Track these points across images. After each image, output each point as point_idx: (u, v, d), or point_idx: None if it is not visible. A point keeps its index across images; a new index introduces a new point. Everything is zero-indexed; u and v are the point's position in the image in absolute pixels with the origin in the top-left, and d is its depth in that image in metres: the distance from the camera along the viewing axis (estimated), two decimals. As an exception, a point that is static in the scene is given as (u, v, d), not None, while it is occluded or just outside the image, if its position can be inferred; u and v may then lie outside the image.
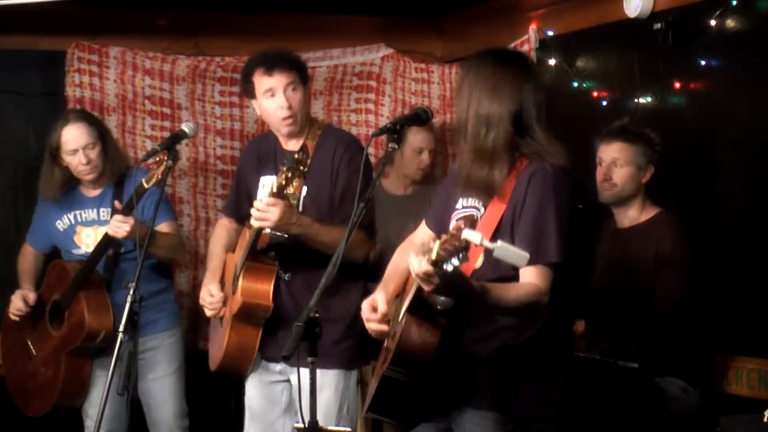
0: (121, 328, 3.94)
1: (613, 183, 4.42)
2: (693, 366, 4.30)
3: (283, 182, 3.85)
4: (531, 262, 2.94)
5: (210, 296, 4.25)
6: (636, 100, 4.75)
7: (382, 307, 3.29)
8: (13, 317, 4.77)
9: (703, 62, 4.42)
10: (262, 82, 4.13)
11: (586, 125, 4.78)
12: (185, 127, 4.40)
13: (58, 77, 5.52)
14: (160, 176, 4.21)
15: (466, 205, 3.40)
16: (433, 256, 2.86)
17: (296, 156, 3.86)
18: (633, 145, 4.41)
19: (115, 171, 4.70)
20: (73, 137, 4.60)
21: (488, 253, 2.88)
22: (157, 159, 4.25)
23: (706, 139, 4.50)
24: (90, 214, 4.71)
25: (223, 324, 4.25)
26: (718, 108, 4.44)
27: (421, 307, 3.17)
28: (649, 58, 4.67)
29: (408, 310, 3.18)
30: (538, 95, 3.29)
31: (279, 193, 3.89)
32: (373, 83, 5.92)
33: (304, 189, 4.13)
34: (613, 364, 4.10)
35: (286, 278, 4.14)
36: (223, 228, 4.45)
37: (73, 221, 4.74)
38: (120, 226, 4.37)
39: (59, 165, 4.66)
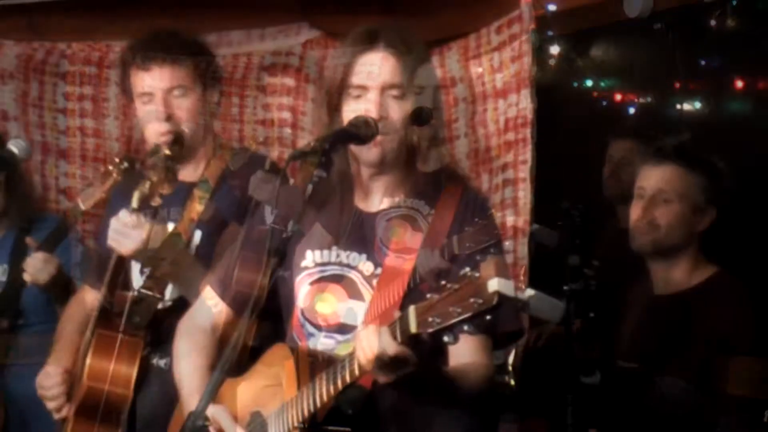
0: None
1: (655, 224, 3.35)
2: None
3: (146, 191, 2.79)
4: (482, 331, 2.24)
5: (46, 380, 3.01)
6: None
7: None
8: None
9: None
10: (137, 79, 3.04)
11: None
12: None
13: (58, 77, 5.44)
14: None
15: (333, 260, 2.53)
16: (412, 327, 1.92)
17: (167, 152, 2.86)
18: (691, 174, 3.32)
19: None
20: None
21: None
22: None
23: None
24: None
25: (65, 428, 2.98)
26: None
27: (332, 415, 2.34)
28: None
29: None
30: None
31: (142, 207, 2.82)
32: (290, 81, 4.34)
33: (197, 233, 3.08)
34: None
35: (162, 365, 2.96)
36: (77, 303, 3.26)
37: None
38: None
39: None
